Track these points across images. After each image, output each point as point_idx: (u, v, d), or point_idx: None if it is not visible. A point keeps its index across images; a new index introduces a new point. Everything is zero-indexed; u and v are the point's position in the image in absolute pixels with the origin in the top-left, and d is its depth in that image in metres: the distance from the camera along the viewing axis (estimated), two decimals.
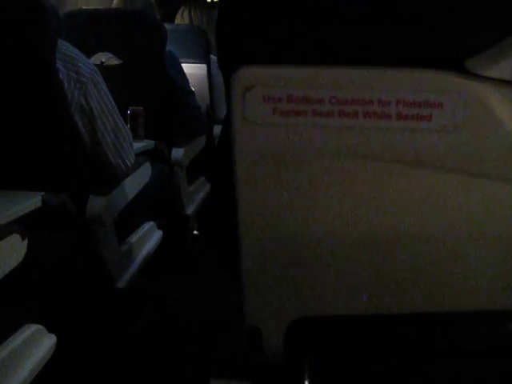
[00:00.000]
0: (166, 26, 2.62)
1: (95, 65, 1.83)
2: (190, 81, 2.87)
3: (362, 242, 0.96)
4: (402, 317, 1.03)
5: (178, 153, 2.66)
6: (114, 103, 1.79)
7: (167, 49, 2.63)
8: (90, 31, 2.48)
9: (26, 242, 1.29)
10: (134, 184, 1.97)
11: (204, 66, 3.38)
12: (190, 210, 2.82)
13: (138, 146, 2.30)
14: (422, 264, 0.99)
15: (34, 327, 1.35)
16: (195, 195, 2.96)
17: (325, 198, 0.94)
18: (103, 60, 2.47)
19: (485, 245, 0.96)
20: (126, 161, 1.87)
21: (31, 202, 1.43)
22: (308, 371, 1.05)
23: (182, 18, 3.96)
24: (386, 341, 1.08)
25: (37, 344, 1.35)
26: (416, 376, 1.07)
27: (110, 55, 2.48)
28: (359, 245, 0.97)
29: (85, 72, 1.66)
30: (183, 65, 2.86)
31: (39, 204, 1.45)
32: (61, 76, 1.59)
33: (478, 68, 0.84)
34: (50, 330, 1.39)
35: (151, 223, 2.24)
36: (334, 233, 0.96)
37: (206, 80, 3.40)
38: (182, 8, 4.04)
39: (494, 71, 0.84)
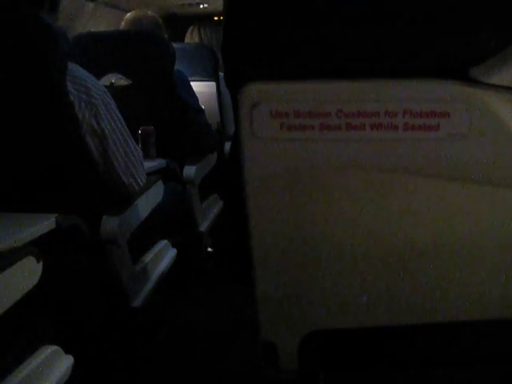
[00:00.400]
0: (174, 45, 2.63)
1: (105, 86, 1.84)
2: (199, 98, 2.88)
3: (373, 254, 0.96)
4: (415, 328, 1.03)
5: (190, 171, 2.67)
6: (124, 123, 1.81)
7: (176, 68, 2.64)
8: (100, 53, 2.50)
9: (41, 263, 1.30)
10: (147, 203, 1.97)
11: (213, 83, 3.40)
12: (203, 227, 2.82)
13: (150, 165, 2.31)
14: (436, 274, 0.98)
15: (51, 348, 1.35)
16: (208, 212, 2.96)
17: (335, 211, 0.94)
18: (113, 81, 2.49)
19: (495, 252, 0.95)
20: (138, 180, 1.88)
21: (45, 224, 1.44)
22: None
23: (192, 36, 3.99)
24: (401, 352, 1.08)
25: (54, 365, 1.35)
26: None
27: (120, 76, 2.50)
28: (370, 257, 0.96)
29: (95, 93, 1.67)
30: (192, 83, 2.87)
31: (53, 226, 1.46)
32: (71, 98, 1.60)
33: (483, 76, 0.84)
34: (67, 351, 1.40)
35: (165, 241, 2.24)
36: (344, 245, 0.96)
37: (215, 97, 3.42)
38: (192, 27, 4.07)
39: (499, 79, 0.84)
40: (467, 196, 0.91)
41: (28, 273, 1.27)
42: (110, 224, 1.71)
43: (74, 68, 1.65)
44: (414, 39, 0.85)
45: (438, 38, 0.85)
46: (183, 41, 4.20)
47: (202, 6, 5.05)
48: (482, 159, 0.88)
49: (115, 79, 2.50)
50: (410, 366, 1.07)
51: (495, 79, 0.84)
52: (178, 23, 4.98)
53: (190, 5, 4.94)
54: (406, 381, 1.06)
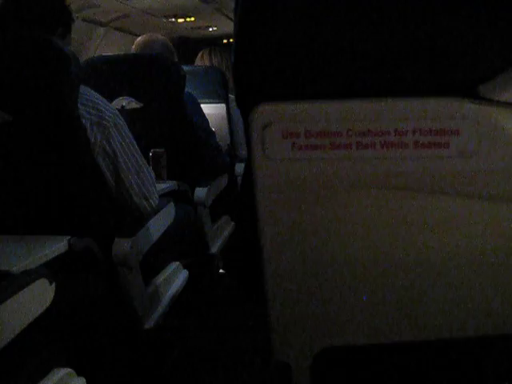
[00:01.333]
0: (185, 67, 2.65)
1: (117, 109, 1.86)
2: (209, 121, 2.90)
3: (385, 271, 0.96)
4: (430, 344, 1.02)
5: (201, 192, 2.67)
6: (136, 145, 1.82)
7: (186, 90, 2.66)
8: (111, 76, 2.52)
9: (53, 285, 1.30)
10: (159, 225, 1.97)
11: (223, 105, 3.41)
12: (214, 248, 2.81)
13: (161, 187, 2.31)
14: (450, 290, 0.98)
15: (64, 371, 1.35)
16: (219, 234, 2.96)
17: (347, 230, 0.94)
18: (124, 104, 2.50)
19: (507, 268, 0.95)
20: (151, 201, 1.88)
21: (58, 246, 1.44)
22: None
23: (202, 60, 4.01)
24: (416, 369, 1.07)
25: None
26: None
27: (131, 99, 2.51)
28: (381, 274, 0.96)
29: (106, 116, 1.69)
30: (202, 105, 2.89)
31: (66, 248, 1.47)
32: (83, 121, 1.62)
33: (492, 93, 0.85)
34: (80, 373, 1.39)
35: (177, 263, 2.24)
36: (356, 263, 0.96)
37: (225, 119, 3.43)
38: (202, 51, 4.09)
39: (508, 96, 0.85)
40: (477, 212, 0.91)
41: (41, 295, 1.27)
42: (121, 246, 1.72)
43: (85, 91, 1.67)
44: (422, 57, 0.86)
45: (446, 56, 0.85)
46: (193, 63, 4.23)
47: (210, 29, 5.13)
48: (491, 176, 0.88)
49: (126, 102, 2.51)
50: (425, 383, 1.07)
51: (504, 96, 0.85)
52: (188, 46, 5.04)
53: (199, 28, 5.02)
54: None
